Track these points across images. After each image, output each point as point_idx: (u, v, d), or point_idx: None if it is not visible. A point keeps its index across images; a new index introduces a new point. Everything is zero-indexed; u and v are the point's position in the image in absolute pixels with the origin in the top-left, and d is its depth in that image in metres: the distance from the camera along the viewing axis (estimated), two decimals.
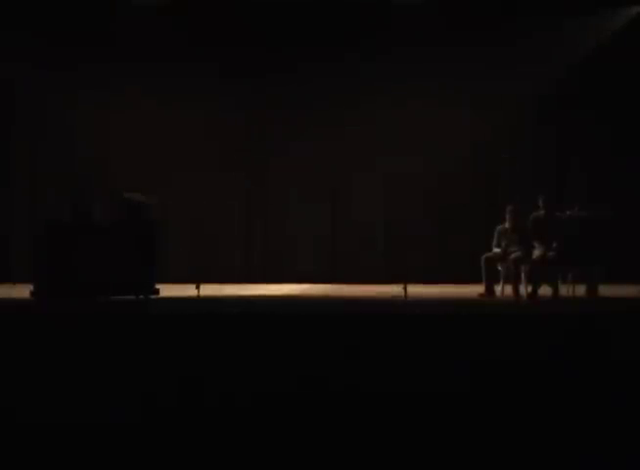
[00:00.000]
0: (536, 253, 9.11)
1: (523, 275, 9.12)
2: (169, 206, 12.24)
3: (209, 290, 9.75)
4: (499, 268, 9.32)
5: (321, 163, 13.25)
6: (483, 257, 9.34)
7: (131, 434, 2.94)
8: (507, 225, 9.40)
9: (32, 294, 8.47)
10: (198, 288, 8.95)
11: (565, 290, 9.30)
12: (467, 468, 2.60)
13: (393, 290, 9.24)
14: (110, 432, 2.95)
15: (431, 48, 12.55)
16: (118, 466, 2.61)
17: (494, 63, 12.54)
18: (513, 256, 9.16)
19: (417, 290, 9.46)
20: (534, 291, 8.93)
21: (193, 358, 4.59)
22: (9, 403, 3.36)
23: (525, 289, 9.09)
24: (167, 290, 9.18)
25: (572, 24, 12.49)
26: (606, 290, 9.34)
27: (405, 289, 8.72)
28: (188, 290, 9.38)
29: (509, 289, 9.18)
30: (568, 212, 9.38)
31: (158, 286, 8.79)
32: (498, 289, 9.30)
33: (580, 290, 9.33)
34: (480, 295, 9.22)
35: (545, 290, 9.03)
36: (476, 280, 9.63)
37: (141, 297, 8.59)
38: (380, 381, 3.86)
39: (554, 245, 9.01)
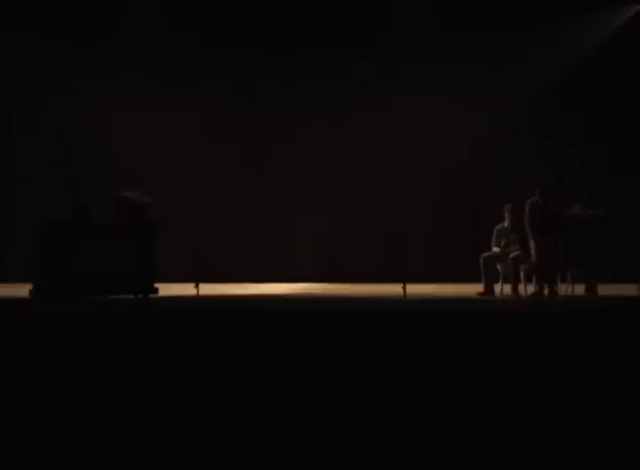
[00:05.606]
0: (532, 246, 9.06)
1: (522, 274, 9.12)
2: (169, 205, 12.26)
3: (208, 289, 9.76)
4: (498, 268, 9.33)
5: (320, 162, 13.25)
6: (482, 256, 9.35)
7: (130, 433, 2.94)
8: (506, 225, 9.41)
9: (32, 293, 8.48)
10: (197, 287, 8.96)
11: (564, 289, 9.31)
12: (466, 468, 2.60)
13: (392, 289, 9.24)
14: (110, 430, 2.95)
15: (430, 48, 12.56)
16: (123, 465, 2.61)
17: (494, 62, 12.54)
18: (512, 255, 9.16)
19: (416, 289, 9.46)
20: (535, 290, 8.94)
21: (192, 357, 4.59)
22: (9, 403, 3.36)
23: (524, 288, 9.10)
24: (166, 289, 9.19)
25: (572, 24, 12.49)
26: (605, 289, 9.34)
27: (404, 288, 8.73)
28: (187, 289, 9.38)
29: (508, 288, 9.18)
30: (569, 212, 9.38)
31: (157, 285, 8.79)
32: (497, 288, 9.30)
33: (580, 289, 9.34)
34: (480, 294, 9.22)
35: (544, 289, 9.02)
36: (475, 280, 9.63)
37: (140, 296, 8.59)
38: (379, 380, 3.86)
39: (556, 244, 9.02)
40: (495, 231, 9.49)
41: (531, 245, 9.11)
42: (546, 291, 8.97)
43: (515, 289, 9.11)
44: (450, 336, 5.49)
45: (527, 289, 9.09)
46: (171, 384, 3.75)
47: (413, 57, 12.65)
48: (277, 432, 2.93)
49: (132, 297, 8.58)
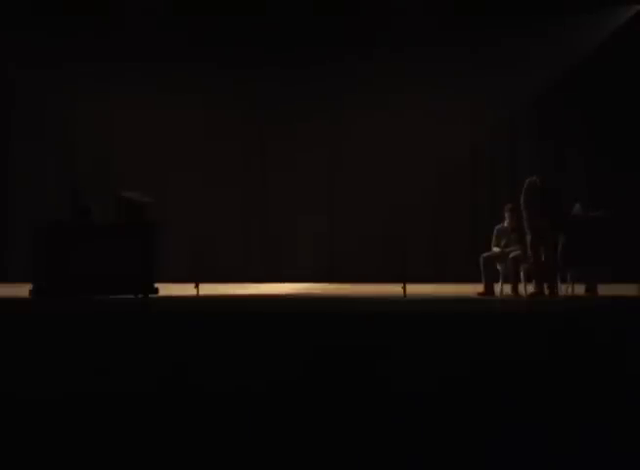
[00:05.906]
0: (527, 239, 9.01)
1: (522, 274, 9.13)
2: (169, 205, 12.26)
3: (208, 289, 9.76)
4: (498, 268, 9.33)
5: (320, 162, 13.25)
6: (482, 256, 9.35)
7: (130, 433, 2.94)
8: (506, 224, 9.42)
9: (32, 293, 8.48)
10: (197, 287, 8.96)
11: (564, 289, 9.31)
12: (466, 468, 2.60)
13: (392, 289, 9.24)
14: (109, 431, 2.95)
15: (430, 48, 12.57)
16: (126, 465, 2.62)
17: (494, 62, 12.55)
18: (512, 255, 9.16)
19: (416, 289, 9.46)
20: (535, 290, 8.94)
21: (192, 357, 4.60)
22: (8, 403, 3.36)
23: (524, 288, 9.10)
24: (166, 289, 9.19)
25: (572, 24, 12.49)
26: (605, 289, 9.34)
27: (404, 288, 8.73)
28: (187, 289, 9.38)
29: (508, 288, 9.18)
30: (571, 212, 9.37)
31: (157, 285, 8.79)
32: (497, 288, 9.30)
33: (580, 289, 9.34)
34: (480, 294, 9.22)
35: (544, 289, 9.02)
36: (475, 280, 9.64)
37: (140, 296, 8.60)
38: (379, 380, 3.86)
39: (556, 242, 9.02)
40: (495, 231, 9.49)
41: (527, 238, 9.00)
42: (546, 291, 8.97)
43: (515, 289, 9.11)
44: (450, 336, 5.49)
45: (527, 289, 9.09)
46: (171, 384, 3.75)
47: (413, 57, 12.66)
48: (277, 432, 2.94)
49: (132, 297, 8.58)
